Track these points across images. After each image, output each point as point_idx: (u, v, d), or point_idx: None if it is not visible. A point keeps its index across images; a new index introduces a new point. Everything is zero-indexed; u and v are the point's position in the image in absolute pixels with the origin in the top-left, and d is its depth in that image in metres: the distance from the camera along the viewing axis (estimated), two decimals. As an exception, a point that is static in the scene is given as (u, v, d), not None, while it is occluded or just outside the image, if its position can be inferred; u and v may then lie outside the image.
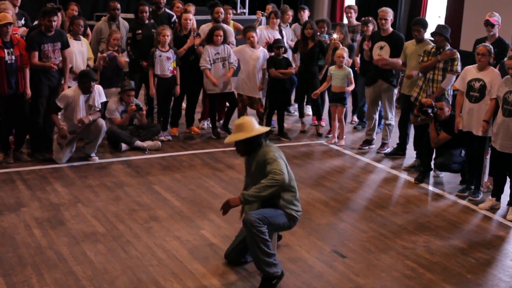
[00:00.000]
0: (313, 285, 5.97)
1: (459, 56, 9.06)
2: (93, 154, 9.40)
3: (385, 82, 10.05)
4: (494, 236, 7.33)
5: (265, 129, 6.06)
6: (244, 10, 17.48)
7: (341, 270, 6.30)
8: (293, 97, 11.77)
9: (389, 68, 9.88)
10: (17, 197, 7.88)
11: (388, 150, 10.27)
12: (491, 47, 8.25)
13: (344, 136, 10.80)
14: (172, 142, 10.47)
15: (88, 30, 10.98)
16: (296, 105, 11.93)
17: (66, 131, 9.03)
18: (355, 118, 12.15)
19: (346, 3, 17.06)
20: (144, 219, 7.35)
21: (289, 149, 10.18)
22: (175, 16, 11.47)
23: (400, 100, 10.11)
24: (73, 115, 9.03)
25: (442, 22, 14.37)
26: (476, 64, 8.28)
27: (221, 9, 11.24)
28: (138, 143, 9.91)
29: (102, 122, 9.30)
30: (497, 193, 8.11)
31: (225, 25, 11.13)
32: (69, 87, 9.42)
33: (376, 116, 10.47)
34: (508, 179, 8.15)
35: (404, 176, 9.27)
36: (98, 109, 9.23)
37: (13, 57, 8.70)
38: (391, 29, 10.05)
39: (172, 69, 10.28)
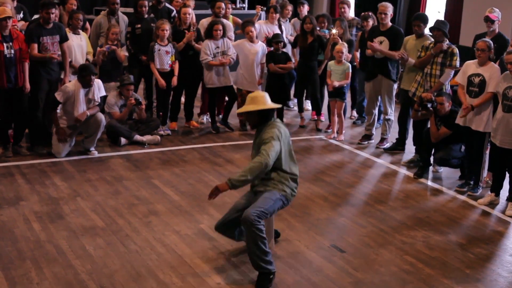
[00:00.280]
0: (312, 280, 5.98)
1: (457, 52, 9.05)
2: (92, 148, 9.40)
3: (385, 77, 10.05)
4: (493, 232, 7.33)
5: (275, 105, 6.22)
6: (244, 5, 17.46)
7: (340, 264, 6.30)
8: (292, 92, 11.76)
9: (384, 54, 9.86)
10: (16, 191, 7.88)
11: (387, 145, 10.27)
12: (490, 42, 8.25)
13: (344, 131, 10.80)
14: (171, 136, 10.47)
15: (87, 24, 10.96)
16: (295, 100, 11.93)
17: (64, 134, 9.03)
18: (355, 113, 12.15)
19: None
20: (143, 213, 7.35)
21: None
22: (175, 11, 11.45)
23: (399, 95, 10.11)
24: (73, 109, 9.02)
25: (442, 17, 14.37)
26: (476, 60, 8.28)
27: (222, 4, 11.24)
28: (137, 137, 9.91)
29: (101, 116, 9.29)
30: (496, 188, 8.11)
31: (224, 20, 11.12)
32: (69, 81, 9.43)
33: (376, 111, 10.46)
34: (507, 175, 8.15)
35: (403, 171, 9.27)
36: (97, 103, 9.23)
37: (12, 51, 8.69)
38: (390, 24, 10.04)
39: (171, 63, 10.28)
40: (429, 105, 8.65)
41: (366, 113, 10.71)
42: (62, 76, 9.54)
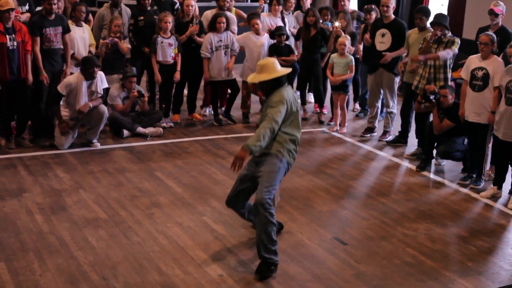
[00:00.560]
0: (314, 272, 5.99)
1: (459, 41, 9.02)
2: (95, 140, 9.40)
3: (386, 71, 10.04)
4: (495, 225, 7.33)
5: (287, 70, 6.29)
6: (247, -3, 17.41)
7: (342, 257, 6.31)
8: (295, 84, 11.75)
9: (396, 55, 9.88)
10: (19, 182, 7.89)
11: (390, 138, 10.27)
12: (494, 36, 8.22)
13: (346, 124, 10.80)
14: (174, 128, 10.47)
15: (90, 16, 10.96)
16: (298, 93, 11.91)
17: (67, 127, 9.04)
18: (357, 106, 12.13)
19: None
20: (145, 205, 7.36)
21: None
22: (178, 3, 11.43)
23: (402, 88, 10.09)
24: (76, 102, 9.02)
25: (445, 10, 14.32)
26: (480, 53, 8.26)
27: None
28: (140, 129, 9.91)
29: (104, 108, 9.30)
30: (498, 181, 8.11)
31: (228, 13, 11.10)
32: (71, 73, 9.43)
33: (378, 104, 10.46)
34: (510, 168, 8.14)
35: (405, 164, 9.27)
36: (100, 95, 9.23)
37: (15, 43, 8.69)
38: (393, 17, 10.03)
39: (174, 56, 10.27)
40: (432, 97, 8.65)
41: (369, 106, 10.70)
42: (64, 68, 9.56)
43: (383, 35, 9.96)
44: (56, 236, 6.47)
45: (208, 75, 10.56)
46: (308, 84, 11.57)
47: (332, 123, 11.02)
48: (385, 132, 10.33)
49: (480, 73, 8.15)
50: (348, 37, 10.55)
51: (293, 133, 6.21)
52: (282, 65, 6.42)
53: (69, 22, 9.71)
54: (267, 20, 11.71)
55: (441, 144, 8.78)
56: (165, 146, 9.59)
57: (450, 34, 9.06)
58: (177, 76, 10.36)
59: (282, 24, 11.40)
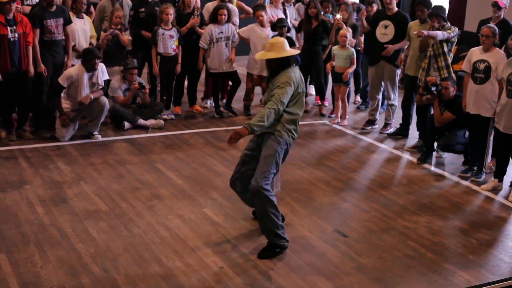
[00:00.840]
0: (315, 265, 5.99)
1: (456, 30, 8.99)
2: (95, 132, 9.40)
3: (388, 63, 10.02)
4: (496, 217, 7.33)
5: (295, 51, 6.38)
6: (248, -11, 17.37)
7: (343, 249, 6.32)
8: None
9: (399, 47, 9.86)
10: (20, 174, 7.90)
11: (391, 130, 10.26)
12: (495, 28, 8.20)
13: (347, 116, 10.79)
14: (175, 120, 10.47)
15: (92, 8, 10.94)
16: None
17: (68, 119, 9.04)
18: (358, 98, 12.12)
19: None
20: (146, 197, 7.37)
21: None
22: (180, -5, 11.42)
23: (404, 81, 10.08)
24: (77, 93, 9.02)
25: (447, 3, 14.29)
26: (481, 46, 8.25)
27: None
28: (141, 121, 9.91)
29: (105, 100, 9.30)
30: (499, 174, 8.10)
31: (229, 4, 11.08)
32: (72, 65, 9.43)
33: (379, 97, 10.45)
34: (511, 160, 8.14)
35: (406, 156, 9.27)
36: (101, 87, 9.23)
37: (16, 35, 8.68)
38: (396, 9, 10.01)
39: (175, 48, 10.26)
40: (433, 89, 8.64)
41: (370, 98, 10.68)
42: (65, 60, 9.55)
43: (385, 27, 9.94)
44: (57, 228, 6.48)
45: (202, 65, 10.56)
46: (309, 76, 11.56)
47: (333, 115, 11.01)
48: (386, 125, 10.33)
49: (482, 66, 8.14)
50: (350, 29, 10.53)
51: (295, 112, 6.25)
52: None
53: (70, 13, 9.69)
54: (269, 12, 11.68)
55: (442, 137, 8.78)
56: (166, 138, 9.59)
57: (448, 24, 9.04)
58: (178, 68, 10.36)
59: (283, 16, 11.38)
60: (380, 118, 10.60)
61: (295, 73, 6.20)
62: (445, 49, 9.04)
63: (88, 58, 8.99)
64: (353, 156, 9.20)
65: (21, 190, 7.42)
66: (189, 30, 10.47)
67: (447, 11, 9.21)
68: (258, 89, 11.25)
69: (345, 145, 9.70)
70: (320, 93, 11.39)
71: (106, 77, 9.36)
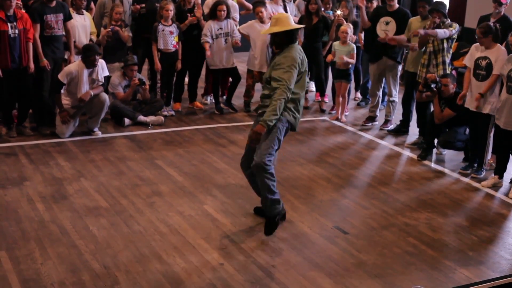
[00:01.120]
0: (315, 261, 5.99)
1: (457, 27, 8.98)
2: (96, 129, 9.40)
3: (390, 59, 10.01)
4: (496, 214, 7.34)
5: (300, 25, 6.57)
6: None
7: (343, 246, 6.32)
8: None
9: (394, 44, 9.80)
10: (20, 171, 7.90)
11: (391, 127, 10.26)
12: (489, 25, 8.13)
13: (346, 112, 10.79)
14: (175, 117, 10.47)
15: (92, 5, 10.94)
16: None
17: (68, 116, 9.04)
18: (359, 95, 12.12)
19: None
20: (147, 194, 7.37)
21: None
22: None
23: (404, 77, 10.07)
24: (77, 90, 9.01)
25: (447, -1, 14.30)
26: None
27: None
28: (141, 118, 9.90)
29: (105, 96, 9.29)
30: (500, 171, 8.11)
31: (229, 0, 11.07)
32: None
33: (380, 93, 10.44)
34: (511, 157, 8.14)
35: (407, 153, 9.27)
36: (101, 83, 9.22)
37: (17, 31, 8.68)
38: (397, 5, 9.99)
39: (175, 44, 10.26)
40: (433, 86, 8.64)
41: (370, 94, 10.68)
42: (66, 56, 9.55)
43: (387, 23, 9.92)
44: (57, 225, 6.48)
45: (208, 54, 10.50)
46: (309, 73, 11.55)
47: (333, 112, 11.01)
48: (387, 121, 10.32)
49: (483, 63, 8.13)
50: (351, 25, 10.52)
51: (297, 91, 6.35)
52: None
53: (70, 9, 9.69)
54: (269, 8, 11.67)
55: (442, 133, 8.78)
56: (166, 134, 9.59)
57: (449, 21, 9.03)
58: (179, 65, 10.35)
59: (284, 12, 11.36)
60: (380, 114, 10.59)
61: (299, 53, 6.32)
62: (445, 45, 9.04)
63: (88, 55, 8.99)
64: (353, 153, 9.20)
65: (22, 187, 7.42)
66: (189, 26, 10.46)
67: (447, 7, 9.18)
68: (258, 86, 11.22)
69: (345, 141, 9.70)
70: (320, 90, 11.39)
71: (106, 73, 9.36)
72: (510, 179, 8.06)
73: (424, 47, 9.17)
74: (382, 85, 10.39)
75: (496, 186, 8.04)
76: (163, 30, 10.14)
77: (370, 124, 10.47)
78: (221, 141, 9.37)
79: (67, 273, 5.59)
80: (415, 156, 9.06)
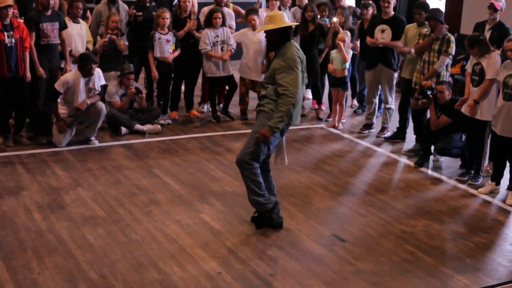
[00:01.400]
0: (312, 269, 5.99)
1: (454, 39, 9.03)
2: (93, 138, 9.39)
3: (385, 66, 10.03)
4: (493, 221, 7.34)
5: (294, 23, 6.66)
6: (244, -7, 17.39)
7: (340, 254, 6.31)
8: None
9: (388, 46, 9.83)
10: (17, 180, 7.88)
11: (388, 134, 10.26)
12: (472, 38, 8.15)
13: (343, 120, 10.81)
14: (171, 125, 10.47)
15: (88, 13, 10.95)
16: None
17: (64, 125, 9.03)
18: (355, 102, 12.13)
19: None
20: (144, 203, 7.36)
21: (289, 133, 10.10)
22: (176, 0, 11.42)
23: (400, 84, 10.09)
24: (73, 99, 9.01)
25: (443, 6, 14.31)
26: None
27: None
28: (138, 126, 9.90)
29: (101, 105, 9.29)
30: (496, 177, 8.11)
31: (225, 8, 11.09)
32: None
33: (376, 100, 10.45)
34: (508, 164, 8.15)
35: (404, 160, 9.27)
36: (97, 92, 9.22)
37: (13, 40, 8.68)
38: (393, 12, 10.01)
39: (171, 52, 10.27)
40: (429, 93, 8.64)
41: (367, 102, 10.69)
42: (62, 65, 9.55)
43: (382, 31, 9.94)
44: (54, 235, 6.47)
45: (219, 56, 10.53)
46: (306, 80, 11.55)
47: (330, 119, 11.02)
48: (383, 128, 10.33)
49: (477, 68, 8.16)
50: (348, 33, 10.52)
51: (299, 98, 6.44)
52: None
53: (67, 18, 9.71)
54: (265, 15, 11.68)
55: (438, 140, 8.79)
56: (163, 143, 9.58)
57: (447, 34, 9.04)
58: (170, 57, 10.29)
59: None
60: (377, 122, 10.60)
61: (296, 51, 6.34)
62: (447, 60, 9.05)
63: (84, 63, 8.99)
64: (350, 160, 9.20)
65: (18, 196, 7.40)
66: (186, 34, 10.48)
67: (443, 14, 9.20)
68: (253, 93, 11.24)
69: (342, 149, 9.70)
70: (317, 97, 11.39)
71: (103, 82, 9.35)
72: (507, 185, 8.06)
73: (421, 55, 9.17)
74: (379, 92, 10.39)
75: (493, 193, 8.05)
76: (159, 39, 10.15)
77: (367, 131, 10.48)
78: (218, 149, 9.37)
79: (64, 282, 5.58)
80: (412, 163, 9.06)
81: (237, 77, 11.08)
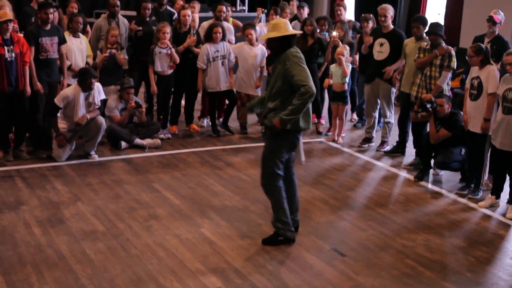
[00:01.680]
0: (312, 284, 5.97)
1: (454, 53, 9.06)
2: (92, 152, 9.39)
3: (382, 81, 10.04)
4: (493, 235, 7.33)
5: (298, 31, 6.68)
6: (244, 7, 17.46)
7: (341, 268, 6.30)
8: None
9: (392, 74, 9.91)
10: (16, 195, 7.88)
11: (387, 148, 10.27)
12: (480, 46, 8.19)
13: (343, 134, 10.81)
14: (171, 140, 10.47)
15: (88, 28, 10.98)
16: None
17: (64, 140, 9.04)
18: (355, 116, 12.14)
19: (346, 1, 17.02)
20: (143, 217, 7.35)
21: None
22: (176, 14, 11.46)
23: (399, 98, 10.10)
24: (73, 114, 9.02)
25: (442, 19, 14.36)
26: (479, 63, 8.28)
27: (223, 8, 11.29)
28: (138, 141, 9.90)
29: (101, 120, 9.30)
30: (496, 191, 8.10)
31: (225, 23, 11.12)
32: (68, 85, 9.44)
33: (376, 114, 10.46)
34: (507, 177, 8.14)
35: (403, 174, 9.27)
36: (97, 107, 9.23)
37: (13, 55, 8.69)
38: (392, 26, 10.04)
39: (172, 65, 10.30)
40: (428, 106, 8.65)
41: (366, 115, 10.71)
42: (61, 79, 9.56)
43: (381, 45, 9.97)
44: (54, 249, 6.45)
45: (202, 85, 10.59)
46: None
47: (329, 133, 11.02)
48: (383, 142, 10.33)
49: (475, 82, 8.18)
50: (347, 47, 10.55)
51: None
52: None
53: (67, 33, 9.74)
54: (265, 30, 11.73)
55: (438, 154, 8.78)
56: (163, 157, 9.58)
57: (444, 44, 9.07)
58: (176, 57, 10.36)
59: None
60: (376, 136, 10.61)
61: (297, 51, 6.38)
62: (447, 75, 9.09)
63: (84, 78, 9.00)
64: (350, 174, 9.20)
65: (18, 211, 7.40)
66: (185, 48, 10.50)
67: (443, 28, 9.23)
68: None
69: (342, 163, 9.70)
70: (317, 111, 11.39)
71: (103, 96, 9.36)
72: (507, 199, 8.05)
73: (422, 69, 9.19)
74: (378, 106, 10.40)
75: (493, 207, 8.04)
76: (159, 53, 10.17)
77: (366, 145, 10.49)
78: (218, 163, 9.37)
79: (64, 298, 5.58)
80: (411, 177, 9.06)
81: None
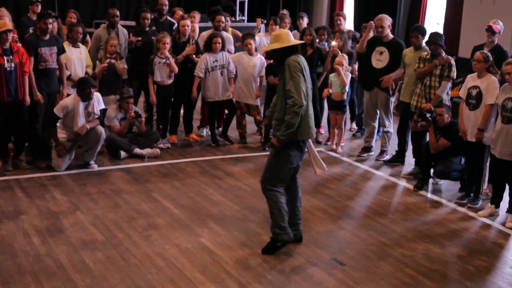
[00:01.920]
0: (312, 293, 5.97)
1: (454, 63, 9.08)
2: (92, 162, 9.39)
3: (381, 90, 10.05)
4: (493, 244, 7.32)
5: (299, 42, 6.70)
6: (243, 18, 17.50)
7: (340, 278, 6.29)
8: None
9: (391, 83, 9.92)
10: (16, 205, 7.87)
11: (387, 157, 10.27)
12: (488, 55, 8.24)
13: (343, 144, 10.81)
14: (171, 149, 10.47)
15: (88, 38, 10.99)
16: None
17: (63, 150, 9.04)
18: (354, 125, 12.15)
19: (345, 11, 17.08)
20: (143, 227, 7.34)
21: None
22: (176, 24, 11.49)
23: (399, 107, 10.11)
24: (73, 123, 9.02)
25: (441, 29, 14.39)
26: (476, 72, 8.29)
27: (222, 18, 11.30)
28: (137, 150, 9.90)
29: (101, 129, 9.30)
30: (496, 200, 8.10)
31: (224, 33, 11.14)
32: (68, 94, 9.45)
33: (375, 124, 10.46)
34: (507, 186, 8.14)
35: (403, 183, 9.26)
36: (97, 116, 9.23)
37: (13, 65, 8.70)
38: (391, 36, 10.06)
39: (171, 74, 10.31)
40: (428, 115, 8.65)
41: (365, 125, 10.72)
42: (61, 88, 9.57)
43: (381, 53, 9.99)
44: (53, 259, 6.44)
45: (196, 94, 10.60)
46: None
47: (329, 143, 11.02)
48: (382, 152, 10.34)
49: (474, 92, 8.18)
50: (346, 56, 10.56)
51: (310, 114, 6.60)
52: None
53: (66, 43, 9.76)
54: (264, 40, 11.77)
55: (438, 164, 8.78)
56: (162, 167, 9.58)
57: (444, 54, 9.09)
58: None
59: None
60: (376, 145, 10.61)
61: (297, 58, 6.41)
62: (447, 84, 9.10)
63: (83, 88, 9.01)
64: (350, 184, 9.20)
65: (17, 221, 7.39)
66: (184, 58, 10.52)
67: (443, 38, 9.25)
68: (250, 117, 11.24)
69: (341, 172, 9.70)
70: (316, 121, 11.37)
71: (102, 106, 9.36)
72: (506, 208, 8.04)
73: (423, 79, 9.20)
74: (377, 116, 10.40)
75: (492, 216, 8.04)
76: (159, 63, 10.19)
77: (365, 154, 10.49)
78: (217, 173, 9.37)
79: (63, 307, 5.57)
80: (411, 187, 9.06)
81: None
